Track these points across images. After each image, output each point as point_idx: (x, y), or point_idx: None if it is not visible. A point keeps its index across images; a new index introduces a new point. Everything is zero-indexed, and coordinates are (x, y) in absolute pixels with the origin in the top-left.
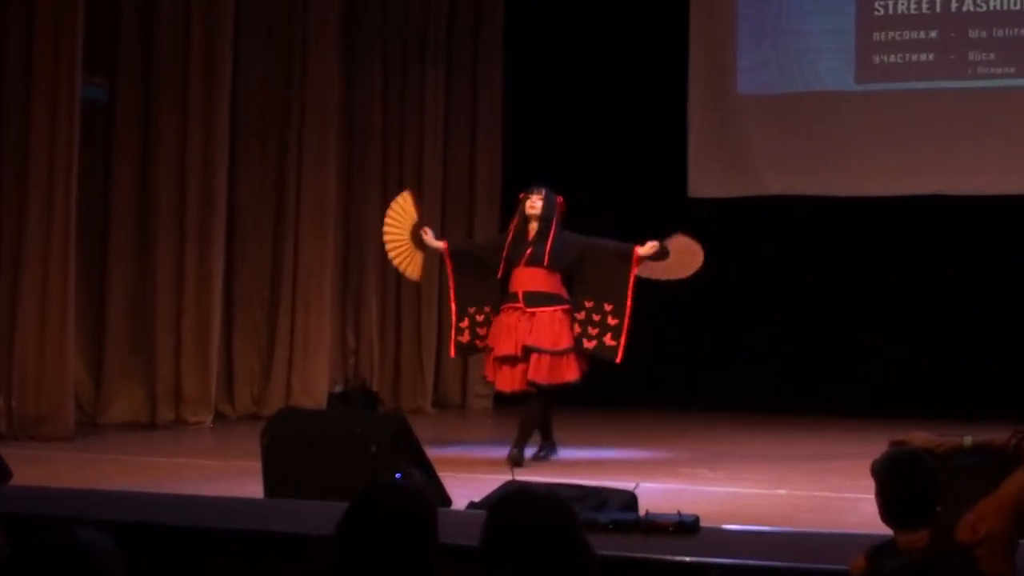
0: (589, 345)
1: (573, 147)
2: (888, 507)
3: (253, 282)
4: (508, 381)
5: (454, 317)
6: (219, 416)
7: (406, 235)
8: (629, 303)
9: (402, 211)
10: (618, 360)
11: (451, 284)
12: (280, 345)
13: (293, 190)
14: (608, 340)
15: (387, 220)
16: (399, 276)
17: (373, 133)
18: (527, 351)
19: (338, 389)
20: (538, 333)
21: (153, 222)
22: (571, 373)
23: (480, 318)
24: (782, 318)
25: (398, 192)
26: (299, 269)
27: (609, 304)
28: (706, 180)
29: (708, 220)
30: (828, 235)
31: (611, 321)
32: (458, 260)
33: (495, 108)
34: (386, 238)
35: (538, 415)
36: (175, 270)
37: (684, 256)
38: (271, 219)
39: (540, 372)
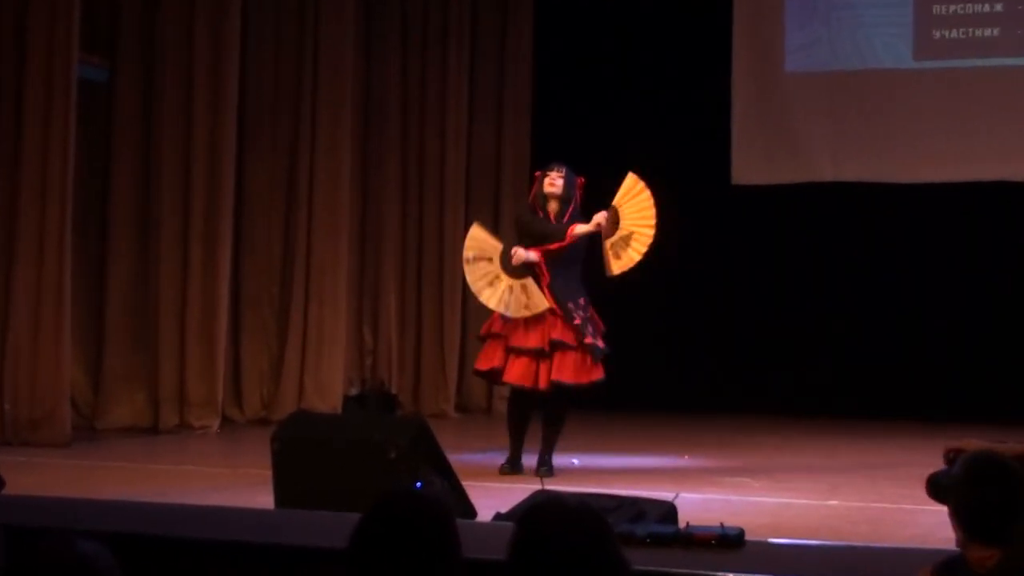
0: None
1: (607, 129)
2: (965, 517)
3: (262, 277)
4: (526, 375)
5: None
6: (226, 421)
7: (497, 267)
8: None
9: (479, 240)
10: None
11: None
12: (292, 345)
13: (305, 179)
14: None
15: (466, 259)
16: (419, 269)
17: (391, 117)
18: (554, 347)
19: (354, 391)
20: (565, 327)
21: (156, 213)
22: (597, 371)
23: None
24: (831, 315)
25: (418, 181)
26: (312, 263)
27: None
28: (751, 166)
29: (752, 209)
30: (883, 226)
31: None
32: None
33: (523, 87)
34: (471, 279)
35: (563, 419)
36: (179, 265)
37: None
38: (282, 210)
39: (565, 371)
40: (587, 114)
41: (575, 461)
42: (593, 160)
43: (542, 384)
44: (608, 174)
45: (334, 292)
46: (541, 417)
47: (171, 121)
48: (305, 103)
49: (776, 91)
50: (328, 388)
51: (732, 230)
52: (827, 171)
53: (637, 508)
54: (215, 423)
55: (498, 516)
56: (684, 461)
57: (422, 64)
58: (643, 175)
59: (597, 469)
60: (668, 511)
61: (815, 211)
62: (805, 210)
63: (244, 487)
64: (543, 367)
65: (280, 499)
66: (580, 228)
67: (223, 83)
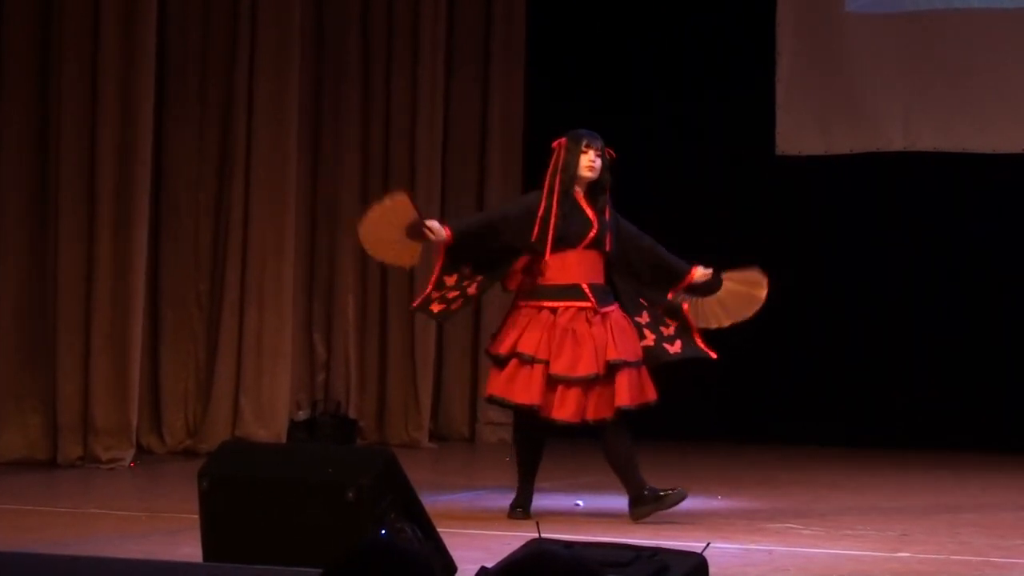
0: (674, 350)
1: (620, 86)
2: None
3: (187, 272)
4: (579, 408)
5: (436, 273)
6: (142, 452)
7: (399, 232)
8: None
9: (394, 210)
10: (715, 356)
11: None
12: (224, 357)
13: (242, 149)
14: (691, 341)
15: (371, 218)
16: (384, 265)
17: (350, 71)
18: (612, 368)
19: (302, 416)
20: (621, 342)
21: (53, 191)
22: (652, 390)
23: (469, 286)
24: (900, 323)
25: (382, 152)
26: (250, 255)
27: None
28: (800, 132)
29: (801, 187)
30: (967, 210)
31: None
32: (461, 239)
33: (516, 31)
34: (366, 234)
35: (630, 449)
36: (82, 257)
37: (741, 292)
38: (212, 188)
39: (626, 393)
40: (594, 66)
41: (579, 503)
42: (602, 120)
43: (591, 414)
44: (623, 144)
45: (277, 291)
46: (608, 459)
47: (71, 72)
48: (241, 52)
49: (834, 38)
50: (270, 411)
51: (777, 213)
52: (898, 139)
53: (658, 561)
54: (128, 455)
55: (483, 571)
56: (717, 502)
57: (388, 3)
58: (667, 141)
59: (608, 512)
60: (697, 565)
61: (881, 191)
62: (869, 189)
63: (164, 535)
64: (593, 394)
65: (209, 550)
66: (700, 272)
67: (138, 24)
